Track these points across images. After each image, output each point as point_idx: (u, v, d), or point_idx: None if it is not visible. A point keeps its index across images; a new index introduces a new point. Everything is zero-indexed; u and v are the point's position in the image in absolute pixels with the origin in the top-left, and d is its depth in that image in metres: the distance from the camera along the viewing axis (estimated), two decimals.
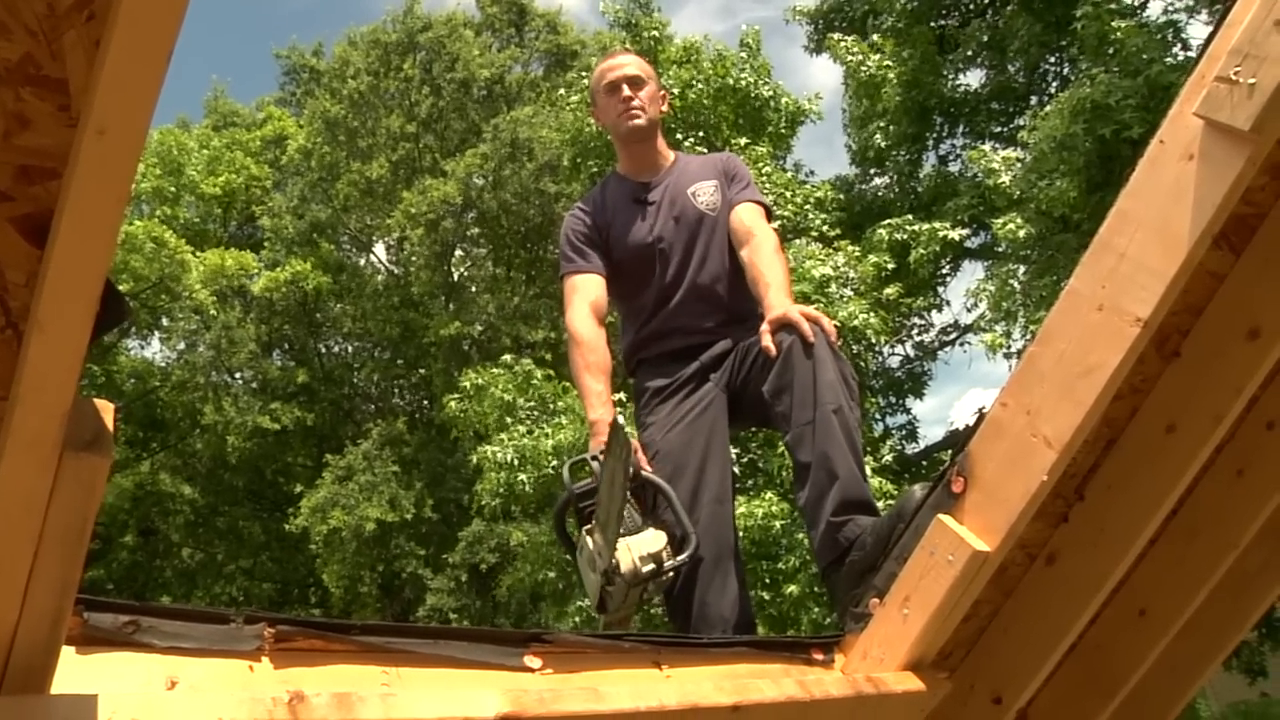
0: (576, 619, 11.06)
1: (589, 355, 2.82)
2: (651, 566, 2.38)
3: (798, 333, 2.48)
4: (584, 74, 15.49)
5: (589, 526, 2.49)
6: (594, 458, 2.58)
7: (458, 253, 22.95)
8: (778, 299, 2.63)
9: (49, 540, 1.02)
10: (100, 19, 0.87)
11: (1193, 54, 10.62)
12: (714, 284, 2.93)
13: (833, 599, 2.34)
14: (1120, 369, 1.75)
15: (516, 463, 11.06)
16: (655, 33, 13.32)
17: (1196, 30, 11.69)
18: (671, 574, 2.43)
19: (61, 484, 1.00)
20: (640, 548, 2.38)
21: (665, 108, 3.19)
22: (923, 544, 1.92)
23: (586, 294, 2.95)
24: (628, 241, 2.99)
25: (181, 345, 21.97)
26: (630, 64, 3.11)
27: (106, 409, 1.04)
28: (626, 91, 3.04)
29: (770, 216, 3.04)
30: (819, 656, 2.03)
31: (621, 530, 2.39)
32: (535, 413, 11.93)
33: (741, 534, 9.81)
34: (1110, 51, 10.70)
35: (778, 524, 9.67)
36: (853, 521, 2.29)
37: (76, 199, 0.88)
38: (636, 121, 3.04)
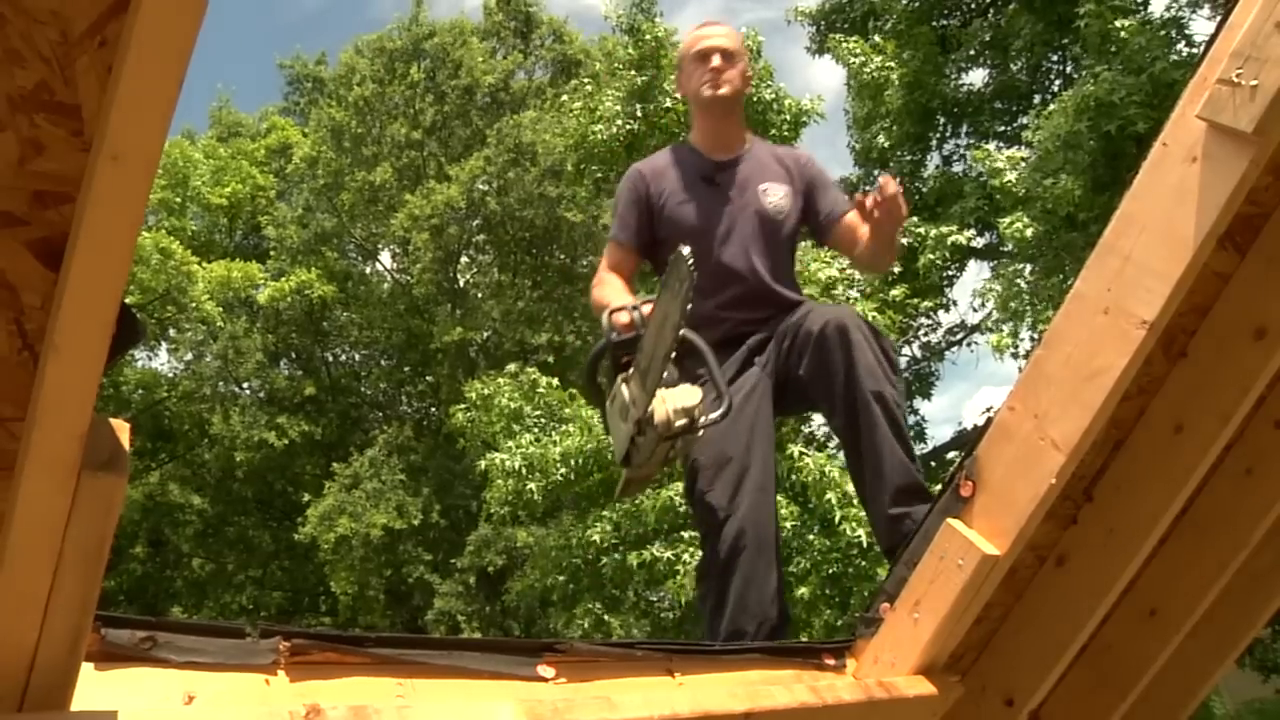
0: (585, 623, 11.06)
1: (606, 279, 2.92)
2: (684, 421, 2.36)
3: (835, 319, 2.48)
4: (588, 80, 15.50)
5: (625, 375, 2.48)
6: (634, 308, 2.57)
7: (462, 259, 22.99)
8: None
9: (68, 559, 1.03)
10: (112, 45, 0.89)
11: (1195, 50, 10.63)
12: (771, 283, 2.90)
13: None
14: (1127, 371, 1.76)
15: (525, 471, 11.07)
16: (658, 36, 13.30)
17: (1199, 26, 11.69)
18: (701, 431, 2.42)
19: (80, 503, 1.01)
20: (675, 400, 2.35)
21: (749, 88, 3.15)
22: (932, 548, 1.92)
23: (614, 261, 3.00)
24: (687, 220, 2.93)
25: (189, 356, 22.03)
26: (724, 36, 3.05)
27: (123, 428, 1.05)
28: (717, 61, 2.98)
29: None
30: (831, 662, 2.03)
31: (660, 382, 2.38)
32: (542, 420, 11.94)
33: None
34: (1113, 49, 10.69)
35: (789, 525, 9.66)
36: (911, 515, 2.33)
37: (91, 223, 0.89)
38: (722, 91, 2.98)
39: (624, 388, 2.47)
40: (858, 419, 2.43)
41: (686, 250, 2.28)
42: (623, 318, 2.55)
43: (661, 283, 2.40)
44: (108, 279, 0.92)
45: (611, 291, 2.84)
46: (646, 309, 2.53)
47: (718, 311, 2.87)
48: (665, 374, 2.35)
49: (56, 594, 1.05)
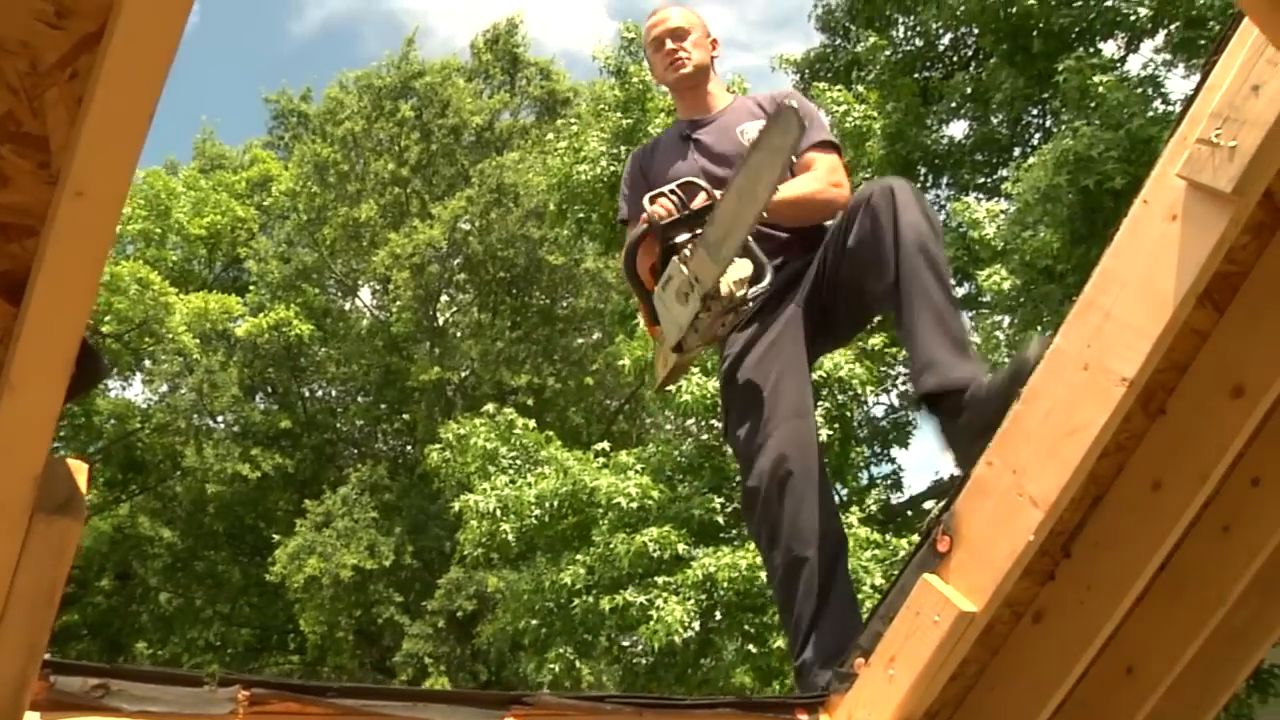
0: (556, 667, 10.93)
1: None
2: (743, 292, 2.43)
3: (882, 185, 2.49)
4: (574, 120, 15.57)
5: (683, 255, 2.50)
6: (672, 191, 2.61)
7: (442, 298, 22.96)
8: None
9: (15, 605, 0.99)
10: (82, 78, 0.87)
11: (1171, 107, 10.79)
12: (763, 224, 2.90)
13: (956, 448, 2.32)
14: (1106, 429, 1.75)
15: (499, 513, 11.00)
16: (644, 80, 13.39)
17: (1175, 84, 11.88)
18: (750, 305, 2.51)
19: (30, 548, 0.97)
20: (733, 273, 2.43)
21: (716, 52, 3.22)
22: (908, 604, 1.90)
23: None
24: (669, 178, 2.95)
25: (164, 388, 21.83)
26: (671, 16, 3.16)
27: (80, 470, 1.01)
28: (670, 44, 3.10)
29: (839, 150, 3.01)
30: (804, 717, 2.00)
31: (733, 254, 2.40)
32: (518, 462, 11.88)
33: (725, 585, 9.76)
34: (1092, 105, 10.85)
35: (763, 574, 9.61)
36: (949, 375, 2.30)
37: (53, 259, 0.87)
38: (684, 70, 3.09)
39: (682, 268, 2.49)
40: (905, 268, 2.41)
41: (795, 102, 2.30)
42: (665, 205, 2.60)
43: (756, 142, 2.40)
44: (68, 317, 0.89)
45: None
46: (700, 198, 2.59)
47: None
48: (749, 238, 2.38)
49: (1, 642, 1.01)
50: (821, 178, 2.86)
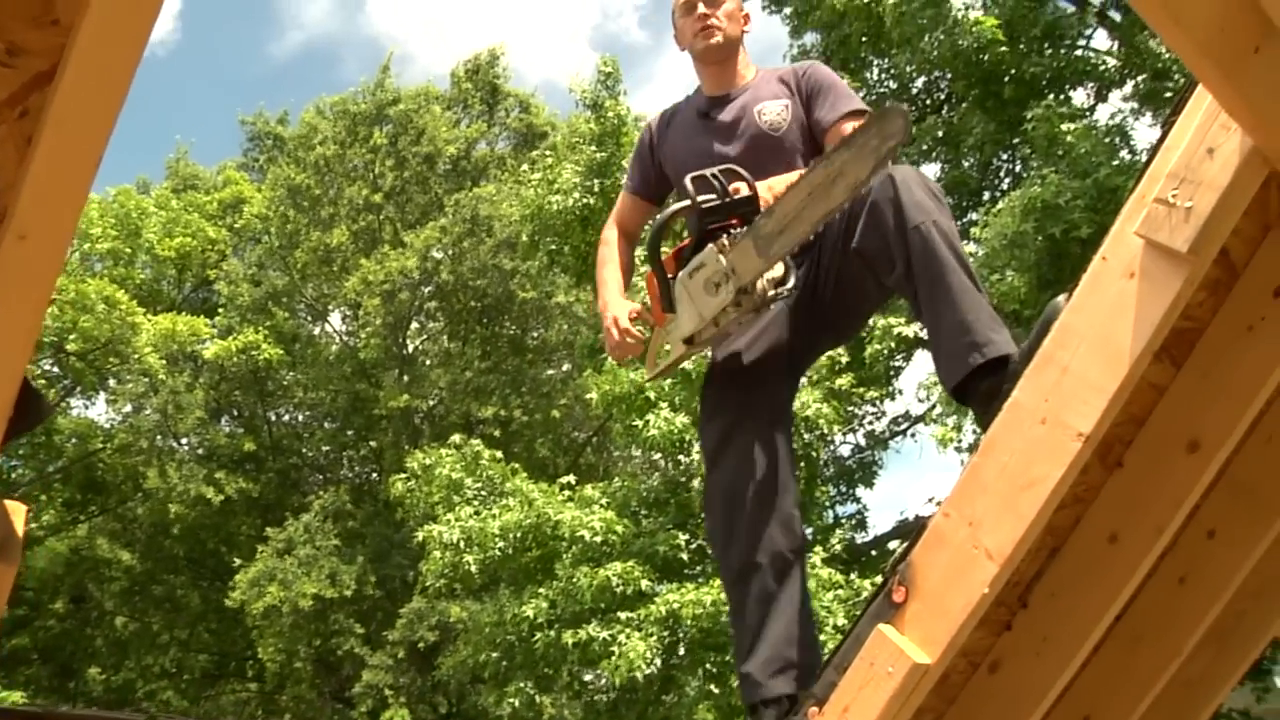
0: (516, 701, 10.81)
1: (604, 250, 3.08)
2: (773, 292, 2.39)
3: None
4: (548, 152, 15.61)
5: (721, 244, 2.39)
6: (714, 175, 2.49)
7: (412, 325, 22.87)
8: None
9: None
10: (33, 117, 0.86)
11: (1137, 157, 10.96)
12: None
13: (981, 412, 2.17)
14: (1062, 483, 1.76)
15: (463, 544, 10.91)
16: (619, 114, 13.43)
17: (1142, 134, 12.08)
18: (771, 309, 2.53)
19: None
20: (770, 272, 2.39)
21: (748, 28, 3.05)
22: (862, 655, 1.89)
23: (621, 211, 3.16)
24: (687, 159, 2.84)
25: (128, 408, 21.54)
26: None
27: (17, 511, 0.99)
28: (703, 9, 2.94)
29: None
30: None
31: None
32: (483, 493, 11.81)
33: (689, 622, 9.70)
34: (1060, 153, 11.00)
35: (726, 611, 9.58)
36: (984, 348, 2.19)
37: None
38: (714, 40, 2.93)
39: (720, 257, 2.38)
40: (914, 251, 2.26)
41: (905, 106, 2.18)
42: (707, 187, 2.48)
43: (848, 139, 2.22)
44: (8, 360, 0.87)
45: (606, 274, 3.01)
46: (739, 185, 2.49)
47: None
48: (808, 237, 2.31)
49: None
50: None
